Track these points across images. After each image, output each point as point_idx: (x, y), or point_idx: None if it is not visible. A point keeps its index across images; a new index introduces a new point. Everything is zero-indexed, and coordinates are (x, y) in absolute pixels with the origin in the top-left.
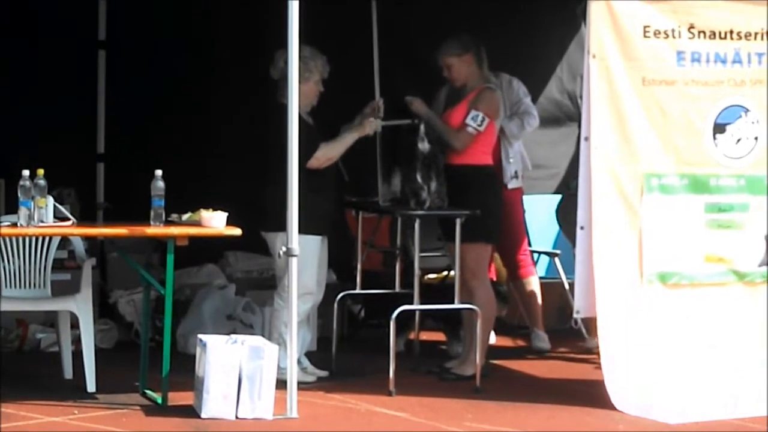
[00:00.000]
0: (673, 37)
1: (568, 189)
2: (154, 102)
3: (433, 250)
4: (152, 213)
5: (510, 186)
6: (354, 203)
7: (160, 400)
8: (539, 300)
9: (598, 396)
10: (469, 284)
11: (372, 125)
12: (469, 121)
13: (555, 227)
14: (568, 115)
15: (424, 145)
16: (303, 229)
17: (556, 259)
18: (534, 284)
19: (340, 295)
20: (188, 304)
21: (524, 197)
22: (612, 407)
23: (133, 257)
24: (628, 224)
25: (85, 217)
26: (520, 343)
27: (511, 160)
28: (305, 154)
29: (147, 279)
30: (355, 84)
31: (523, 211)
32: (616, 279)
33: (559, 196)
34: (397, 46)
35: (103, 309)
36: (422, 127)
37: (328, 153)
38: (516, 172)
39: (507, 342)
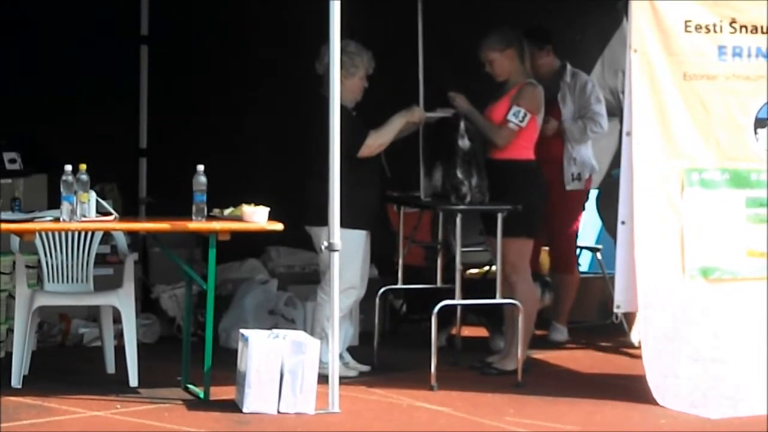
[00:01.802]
0: (715, 31)
1: (610, 177)
2: (196, 97)
3: (475, 245)
4: (194, 208)
5: (569, 188)
6: (395, 198)
7: (202, 395)
8: (572, 299)
9: (640, 391)
10: (510, 279)
11: (419, 111)
12: (510, 117)
13: (597, 223)
14: (609, 110)
15: (464, 142)
16: (347, 224)
17: (598, 254)
18: (573, 283)
19: (382, 290)
20: (230, 299)
21: None
22: (654, 402)
23: (175, 252)
24: (669, 219)
25: (127, 212)
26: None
27: (573, 162)
28: (353, 145)
29: (189, 274)
30: (399, 79)
31: (583, 211)
32: (657, 274)
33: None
34: (441, 40)
35: (146, 304)
36: (462, 124)
37: (379, 139)
38: (579, 175)
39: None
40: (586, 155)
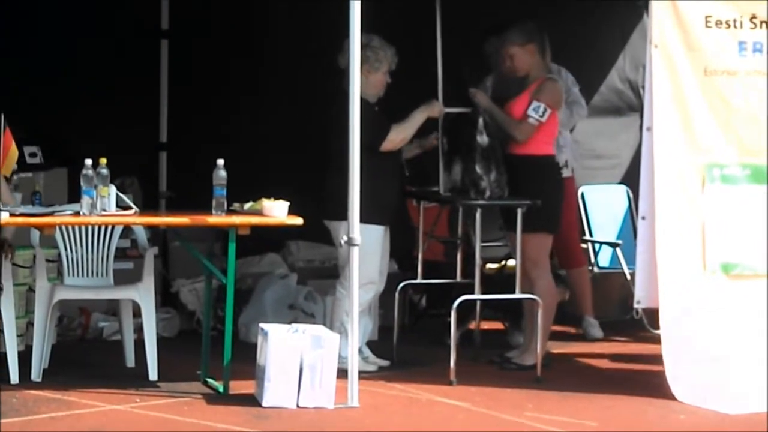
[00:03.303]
0: (735, 27)
1: None
2: (216, 91)
3: (494, 240)
4: (214, 202)
5: (563, 175)
6: (415, 193)
7: (221, 389)
8: (589, 289)
9: (659, 386)
10: (530, 274)
11: (439, 106)
12: (530, 112)
13: (617, 217)
14: (630, 104)
15: (482, 138)
16: (366, 219)
17: (618, 250)
18: (584, 274)
19: (402, 284)
20: (250, 293)
21: (585, 188)
22: (672, 397)
23: (195, 246)
24: (690, 214)
25: (147, 206)
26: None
27: (563, 149)
28: (376, 139)
29: (209, 268)
30: (419, 75)
31: (576, 202)
32: (678, 269)
33: (619, 186)
34: (460, 35)
35: (165, 298)
36: (481, 121)
37: (401, 134)
38: (566, 162)
39: (567, 331)
40: (570, 142)
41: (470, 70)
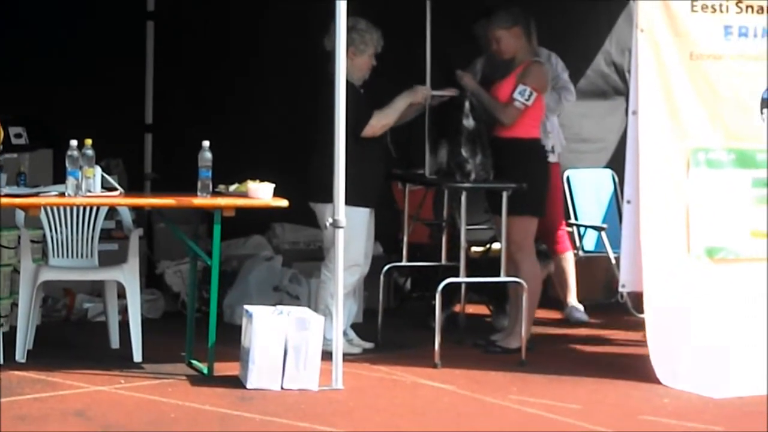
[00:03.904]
0: (721, 11)
1: None
2: (202, 73)
3: (479, 223)
4: (199, 184)
5: (549, 160)
6: (400, 176)
7: (206, 371)
8: (573, 275)
9: (644, 370)
10: (514, 257)
11: (422, 92)
12: (516, 95)
13: (602, 201)
14: (616, 88)
15: (468, 122)
16: (351, 201)
17: (603, 233)
18: (569, 260)
19: (386, 267)
20: (235, 275)
21: (571, 171)
22: (657, 381)
23: (180, 228)
24: (675, 198)
25: (132, 187)
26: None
27: (549, 135)
28: (358, 123)
29: (194, 250)
30: (406, 58)
31: (561, 187)
32: (663, 253)
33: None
34: (450, 18)
35: (150, 279)
36: (467, 104)
37: (382, 120)
38: (553, 147)
39: (552, 315)
40: (557, 128)
41: (456, 54)
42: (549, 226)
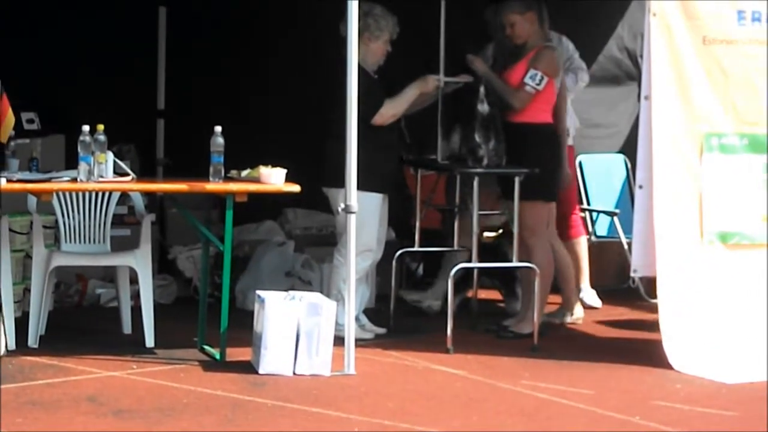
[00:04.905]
0: None
1: None
2: (214, 58)
3: (491, 208)
4: (211, 169)
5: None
6: (412, 161)
7: (218, 356)
8: (586, 260)
9: (656, 355)
10: (527, 242)
11: (433, 81)
12: (527, 80)
13: (615, 187)
14: (628, 73)
15: (483, 107)
16: (364, 187)
17: (616, 219)
18: (583, 245)
19: (399, 252)
20: (247, 260)
21: (583, 156)
22: (669, 366)
23: (192, 213)
24: (687, 184)
25: (144, 172)
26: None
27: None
28: (370, 110)
29: (206, 235)
30: (419, 44)
31: (575, 172)
32: (676, 238)
33: (617, 155)
34: (462, 5)
35: (162, 264)
36: (482, 89)
37: (392, 110)
38: (567, 130)
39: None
40: (571, 111)
41: (468, 40)
42: (563, 211)
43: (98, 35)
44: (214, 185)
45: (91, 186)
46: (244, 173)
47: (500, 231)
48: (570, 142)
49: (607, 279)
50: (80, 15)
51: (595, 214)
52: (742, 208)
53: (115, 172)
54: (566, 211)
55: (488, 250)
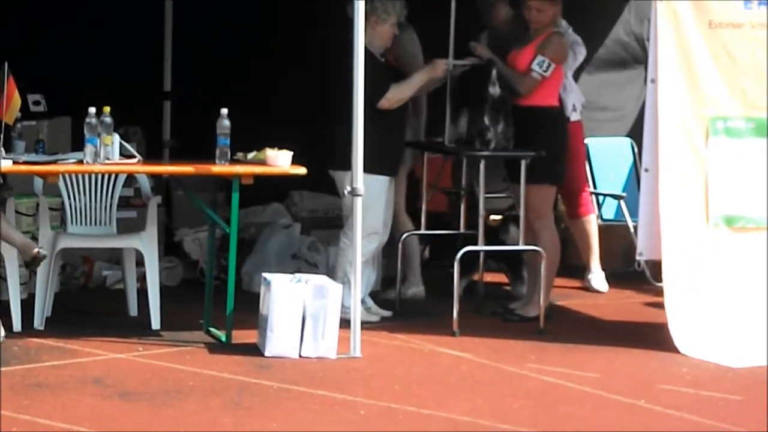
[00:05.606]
0: None
1: None
2: (220, 40)
3: (497, 191)
4: (218, 151)
5: (572, 119)
6: (419, 144)
7: (224, 338)
8: (596, 239)
9: (662, 339)
10: (533, 225)
11: (441, 67)
12: (534, 66)
13: (621, 170)
14: (635, 57)
15: (495, 90)
16: (371, 169)
17: (622, 202)
18: (592, 223)
19: (405, 235)
20: (253, 242)
21: (590, 140)
22: (675, 350)
23: (198, 195)
24: (693, 167)
25: (151, 155)
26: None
27: (570, 94)
28: (376, 93)
29: (212, 217)
30: (427, 28)
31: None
32: (681, 222)
33: (623, 139)
34: None
35: (169, 247)
36: (494, 72)
37: (399, 94)
38: (574, 106)
39: (571, 283)
40: (575, 85)
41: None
42: (572, 188)
43: (105, 17)
44: (220, 167)
45: (97, 168)
46: (251, 155)
47: (506, 214)
48: (577, 116)
49: (613, 262)
50: None
51: (601, 198)
52: (747, 192)
53: (121, 154)
54: (576, 188)
55: (494, 233)
